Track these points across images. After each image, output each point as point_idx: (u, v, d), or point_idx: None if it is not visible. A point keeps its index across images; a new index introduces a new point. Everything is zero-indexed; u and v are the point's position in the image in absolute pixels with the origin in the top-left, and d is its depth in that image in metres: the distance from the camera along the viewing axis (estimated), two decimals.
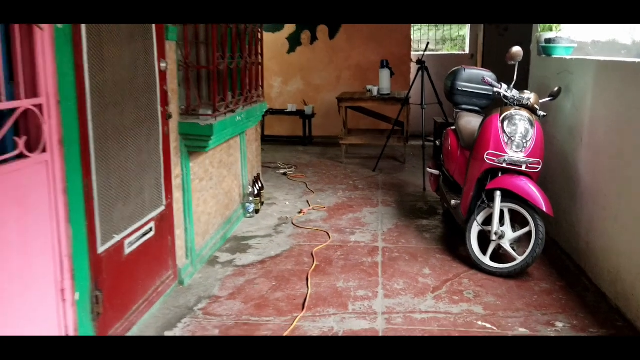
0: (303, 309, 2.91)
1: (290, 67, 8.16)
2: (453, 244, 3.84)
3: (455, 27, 10.57)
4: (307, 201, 4.97)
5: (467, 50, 9.00)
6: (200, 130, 3.12)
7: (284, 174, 6.08)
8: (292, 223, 4.37)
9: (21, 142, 1.83)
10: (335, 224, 4.35)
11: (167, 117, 2.93)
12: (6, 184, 1.76)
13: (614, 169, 3.00)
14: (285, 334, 2.64)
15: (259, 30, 4.41)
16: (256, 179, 4.75)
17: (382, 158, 6.35)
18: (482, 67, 8.00)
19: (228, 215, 4.14)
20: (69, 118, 2.06)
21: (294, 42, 8.14)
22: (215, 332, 2.67)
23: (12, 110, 1.82)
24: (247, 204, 4.51)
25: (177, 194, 3.13)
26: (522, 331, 2.68)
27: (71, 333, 2.12)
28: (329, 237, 4.01)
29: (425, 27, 10.24)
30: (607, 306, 2.93)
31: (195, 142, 3.19)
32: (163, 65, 2.86)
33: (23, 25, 1.84)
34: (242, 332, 2.68)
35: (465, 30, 9.26)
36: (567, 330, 2.68)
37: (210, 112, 3.27)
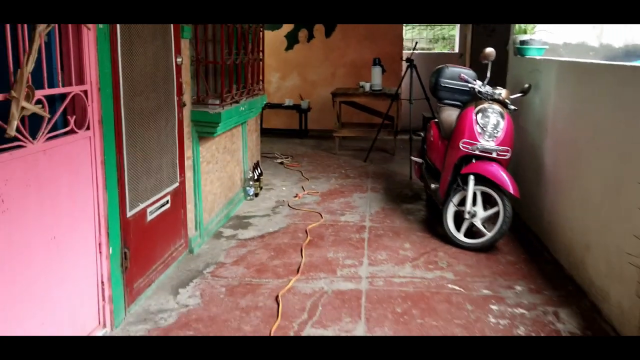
0: (298, 273, 3.35)
1: (287, 64, 8.58)
2: (433, 225, 4.29)
3: (446, 27, 11.01)
4: (302, 187, 5.41)
5: (456, 50, 9.44)
6: (209, 118, 3.55)
7: (281, 163, 6.51)
8: (288, 205, 4.81)
9: (72, 120, 2.26)
10: (327, 206, 4.79)
11: (182, 105, 3.36)
12: (60, 154, 2.19)
13: (570, 157, 3.46)
14: (281, 292, 3.07)
15: (261, 29, 4.83)
16: (256, 166, 5.19)
17: (372, 150, 6.79)
18: (470, 65, 8.45)
19: (231, 197, 4.57)
20: (107, 102, 2.49)
21: (292, 40, 8.57)
22: (222, 290, 3.11)
23: (64, 95, 2.24)
24: (248, 188, 4.94)
25: (188, 174, 3.56)
26: (485, 292, 3.13)
27: (105, 281, 2.55)
28: (322, 217, 4.45)
29: (418, 27, 10.68)
30: (562, 275, 3.38)
31: (205, 128, 3.62)
32: (179, 60, 3.28)
33: (74, 25, 2.26)
34: (245, 290, 3.11)
35: (455, 30, 9.70)
36: (525, 293, 3.14)
37: (217, 102, 3.70)
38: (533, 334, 2.67)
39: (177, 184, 3.36)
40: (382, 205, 4.83)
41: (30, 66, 1.90)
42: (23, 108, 1.86)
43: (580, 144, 3.30)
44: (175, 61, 3.24)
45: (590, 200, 3.07)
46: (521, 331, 2.70)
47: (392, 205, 4.85)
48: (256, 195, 5.04)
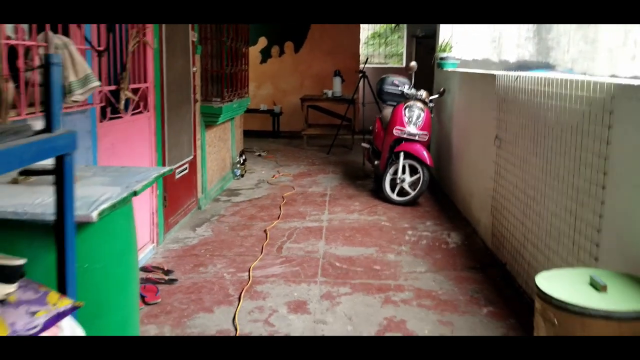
0: (278, 218, 4.78)
1: (262, 75, 10.03)
2: (376, 192, 5.77)
3: (399, 45, 12.70)
4: (278, 171, 6.85)
5: (403, 64, 11.09)
6: (214, 110, 4.98)
7: (259, 155, 7.94)
8: (268, 182, 6.24)
9: (142, 104, 3.67)
10: (298, 182, 6.24)
11: (195, 101, 4.78)
12: (137, 123, 3.58)
13: (462, 137, 5.01)
14: (268, 227, 4.49)
15: (246, 48, 6.29)
16: (241, 153, 6.60)
17: (334, 145, 8.28)
18: (415, 75, 10.10)
19: (223, 175, 5.98)
20: (157, 95, 3.89)
21: (265, 54, 10.04)
22: (226, 228, 4.51)
23: (137, 89, 3.64)
24: (235, 170, 6.35)
25: (198, 152, 4.96)
26: (405, 225, 4.62)
27: (154, 212, 3.93)
28: (294, 189, 5.90)
29: (375, 44, 12.32)
30: (459, 216, 4.90)
31: (210, 118, 5.04)
32: (194, 69, 4.70)
33: (142, 44, 3.67)
34: (242, 227, 4.52)
35: (404, 48, 11.37)
36: (432, 225, 4.64)
37: (219, 100, 5.13)
38: (430, 244, 4.17)
39: (191, 157, 4.76)
40: (340, 182, 6.31)
41: (128, 69, 3.30)
42: (126, 94, 3.26)
43: (468, 127, 4.86)
44: (192, 70, 4.66)
45: (472, 163, 4.61)
46: (424, 242, 4.20)
47: (348, 181, 6.34)
48: (242, 175, 6.45)
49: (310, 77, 10.00)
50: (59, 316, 1.10)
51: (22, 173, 1.79)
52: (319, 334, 2.77)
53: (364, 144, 6.50)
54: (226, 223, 4.65)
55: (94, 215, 1.45)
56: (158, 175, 2.00)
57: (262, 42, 10.01)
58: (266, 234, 4.33)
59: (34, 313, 1.06)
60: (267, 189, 5.95)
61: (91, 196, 1.60)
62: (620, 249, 2.24)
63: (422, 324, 2.89)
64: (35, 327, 1.03)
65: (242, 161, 6.47)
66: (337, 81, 8.62)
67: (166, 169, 2.20)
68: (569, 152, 2.68)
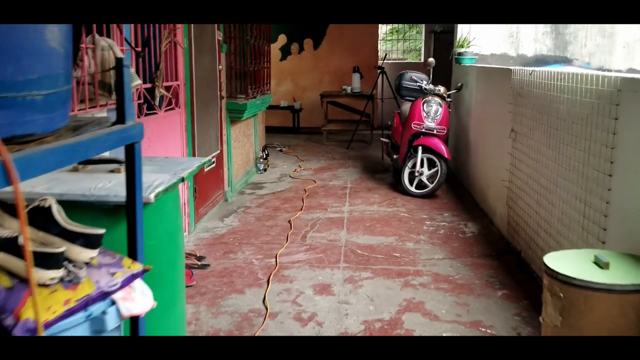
0: (301, 210, 4.99)
1: (282, 72, 10.25)
2: (395, 185, 5.95)
3: (417, 41, 12.81)
4: (299, 165, 7.06)
5: (422, 59, 11.20)
6: (239, 107, 5.20)
7: (280, 150, 8.16)
8: (290, 176, 6.45)
9: (174, 101, 3.89)
10: (319, 176, 6.44)
11: (221, 97, 5.00)
12: (170, 118, 3.81)
13: (480, 130, 5.16)
14: (292, 218, 4.70)
15: (268, 45, 6.50)
16: (264, 148, 6.83)
17: (353, 140, 8.47)
18: (433, 71, 10.23)
19: (247, 169, 6.20)
20: (187, 92, 4.12)
21: (285, 52, 10.25)
22: (252, 219, 4.73)
23: (170, 86, 3.87)
24: (259, 164, 6.58)
25: (224, 146, 5.19)
26: (424, 216, 4.79)
27: (186, 203, 4.16)
28: (315, 182, 6.10)
29: (391, 40, 12.44)
30: (476, 207, 5.06)
31: (235, 114, 5.26)
32: (220, 67, 4.93)
33: (173, 43, 3.90)
34: (267, 218, 4.74)
35: (422, 43, 11.48)
36: (449, 216, 4.81)
37: (243, 96, 5.35)
38: (448, 233, 4.34)
39: (218, 151, 4.98)
40: (359, 175, 6.50)
41: (162, 68, 3.53)
42: (160, 91, 3.49)
43: (484, 121, 5.01)
44: (218, 68, 4.89)
45: (489, 155, 4.76)
46: (441, 232, 4.37)
47: (367, 175, 6.52)
48: (265, 170, 6.68)
49: (329, 74, 10.19)
50: (133, 277, 1.31)
51: (80, 162, 2.01)
52: (343, 313, 2.96)
53: (382, 139, 6.67)
54: (252, 214, 4.87)
55: (152, 196, 1.66)
56: (200, 164, 2.21)
57: (282, 39, 10.22)
58: (290, 224, 4.54)
59: (113, 274, 1.27)
60: (289, 182, 6.16)
61: (145, 182, 1.82)
62: (626, 232, 2.39)
63: (439, 305, 3.07)
64: (115, 285, 1.24)
65: (264, 156, 6.69)
66: (355, 77, 8.79)
67: (206, 159, 2.42)
68: (580, 142, 2.83)
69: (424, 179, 5.48)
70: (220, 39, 4.95)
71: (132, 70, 2.78)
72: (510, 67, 4.22)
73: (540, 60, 6.61)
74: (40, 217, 1.21)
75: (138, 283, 1.34)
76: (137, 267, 1.35)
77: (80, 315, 1.18)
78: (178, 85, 3.98)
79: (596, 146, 2.64)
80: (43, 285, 1.13)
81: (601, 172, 2.57)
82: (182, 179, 1.96)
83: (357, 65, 9.05)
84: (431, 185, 5.40)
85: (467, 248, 4.02)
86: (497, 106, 4.57)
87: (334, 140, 9.14)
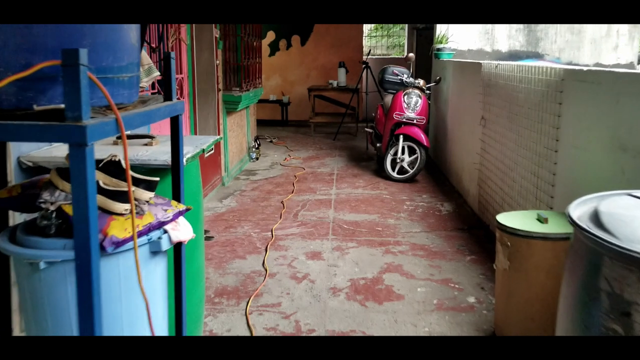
0: (292, 193, 5.44)
1: (271, 67, 10.67)
2: (378, 172, 6.42)
3: (400, 37, 13.30)
4: (289, 154, 7.51)
5: (405, 54, 11.70)
6: (234, 98, 5.63)
7: (270, 141, 8.60)
8: (280, 164, 6.90)
9: (179, 92, 4.32)
10: (308, 164, 6.89)
11: (218, 90, 5.43)
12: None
13: (456, 120, 5.66)
14: (284, 199, 5.15)
15: (259, 42, 6.93)
16: (256, 139, 7.26)
17: (339, 132, 8.93)
18: (416, 65, 10.74)
19: (241, 157, 6.64)
20: (190, 84, 4.55)
21: (274, 48, 10.67)
22: (248, 200, 5.17)
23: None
24: (251, 153, 7.01)
25: (221, 134, 5.62)
26: (404, 198, 5.28)
27: None
28: (304, 169, 6.56)
29: (375, 36, 12.92)
30: (452, 190, 5.56)
31: (231, 105, 5.69)
32: (217, 62, 5.35)
33: (178, 40, 4.32)
34: (262, 199, 5.19)
35: (405, 40, 11.98)
36: (427, 197, 5.30)
37: (238, 89, 5.78)
38: (425, 211, 4.83)
39: (221, 136, 5.40)
40: (346, 163, 6.97)
41: None
42: None
43: (459, 110, 5.50)
44: (215, 63, 5.31)
45: (463, 141, 5.26)
46: (419, 210, 4.85)
47: (353, 163, 6.99)
48: (257, 158, 7.11)
49: (316, 69, 10.63)
50: (179, 213, 1.74)
51: (119, 137, 2.44)
52: (332, 273, 3.43)
53: (367, 129, 7.15)
54: (248, 196, 5.31)
55: (184, 160, 2.10)
56: (214, 140, 2.66)
57: (271, 35, 10.64)
58: (283, 205, 4.99)
59: (165, 210, 1.70)
60: (280, 169, 6.60)
61: None
62: (567, 197, 2.88)
63: (415, 267, 3.55)
64: (168, 217, 1.67)
65: (257, 145, 7.13)
66: (341, 72, 9.26)
67: (217, 137, 2.86)
68: (533, 125, 3.32)
69: (405, 165, 5.96)
70: (217, 36, 5.38)
71: (152, 63, 3.20)
72: (481, 62, 4.72)
73: (514, 56, 7.13)
74: (113, 168, 1.64)
75: (182, 219, 1.78)
76: (182, 206, 1.78)
77: (144, 238, 1.61)
78: (182, 78, 4.40)
79: (545, 127, 3.13)
80: (119, 214, 1.56)
81: (549, 149, 3.07)
82: (203, 151, 2.40)
83: (342, 60, 9.52)
84: (411, 171, 5.88)
85: (442, 223, 4.51)
86: (470, 97, 5.06)
87: (321, 132, 9.60)
